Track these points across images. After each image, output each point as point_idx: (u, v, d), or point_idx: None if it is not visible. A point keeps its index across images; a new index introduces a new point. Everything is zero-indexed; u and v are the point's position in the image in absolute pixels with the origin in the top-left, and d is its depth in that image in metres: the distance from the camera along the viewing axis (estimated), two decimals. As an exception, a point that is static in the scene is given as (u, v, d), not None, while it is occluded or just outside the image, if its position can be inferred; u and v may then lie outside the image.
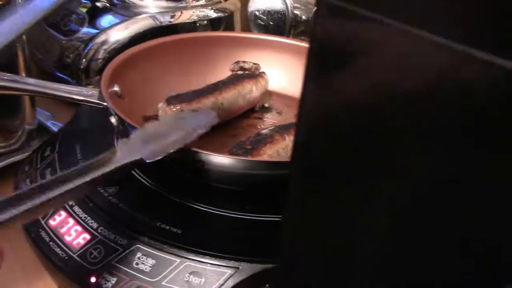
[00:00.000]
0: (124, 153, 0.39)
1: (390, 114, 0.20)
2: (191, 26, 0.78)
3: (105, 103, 0.48)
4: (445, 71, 0.18)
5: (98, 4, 0.75)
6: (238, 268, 0.41)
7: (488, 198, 0.17)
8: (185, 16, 0.78)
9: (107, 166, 0.37)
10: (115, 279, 0.40)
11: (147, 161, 0.39)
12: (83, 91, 0.48)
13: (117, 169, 0.38)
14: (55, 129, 0.65)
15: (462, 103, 0.17)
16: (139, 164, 0.39)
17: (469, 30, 0.17)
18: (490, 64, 0.16)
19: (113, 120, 0.48)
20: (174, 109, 0.52)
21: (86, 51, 0.71)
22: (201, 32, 0.70)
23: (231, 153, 0.48)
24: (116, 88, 0.52)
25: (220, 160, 0.44)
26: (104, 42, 0.72)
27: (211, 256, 0.41)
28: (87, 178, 0.36)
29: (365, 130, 0.20)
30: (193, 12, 0.80)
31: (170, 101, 0.52)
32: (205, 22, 0.79)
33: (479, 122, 0.17)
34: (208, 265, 0.41)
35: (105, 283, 0.40)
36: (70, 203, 0.45)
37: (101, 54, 0.71)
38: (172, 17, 0.78)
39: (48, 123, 0.67)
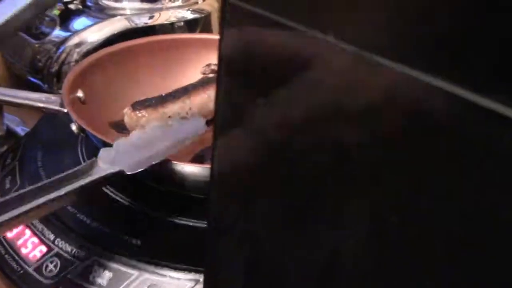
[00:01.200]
0: (105, 163, 0.37)
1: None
2: (167, 28, 0.76)
3: (66, 110, 0.47)
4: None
5: (71, 6, 0.73)
6: (198, 280, 0.39)
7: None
8: (161, 18, 0.76)
9: (87, 177, 0.35)
10: (70, 294, 0.39)
11: (128, 173, 0.37)
12: (42, 98, 0.47)
13: (97, 180, 0.36)
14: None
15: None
16: (119, 175, 0.37)
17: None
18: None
19: (73, 127, 0.46)
20: (139, 114, 0.50)
21: (57, 54, 0.70)
22: (170, 34, 0.68)
23: (194, 160, 0.47)
24: (79, 94, 0.51)
25: (182, 168, 0.43)
26: (76, 45, 0.70)
27: (171, 268, 0.40)
28: (67, 189, 0.34)
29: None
30: (171, 13, 0.78)
31: (135, 106, 0.51)
32: (182, 23, 0.77)
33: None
34: (168, 277, 0.39)
35: (61, 298, 0.39)
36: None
37: (74, 57, 0.70)
38: (149, 18, 0.76)
39: (18, 129, 0.65)
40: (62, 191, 0.33)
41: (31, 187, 0.33)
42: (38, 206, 0.32)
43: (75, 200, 0.40)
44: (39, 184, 0.33)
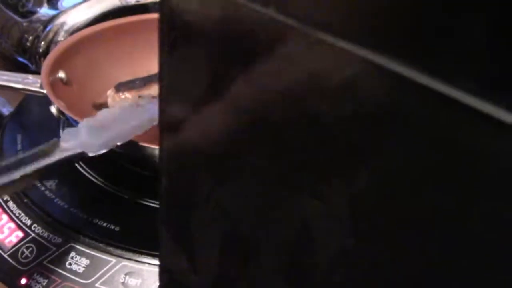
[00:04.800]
0: (67, 144, 0.36)
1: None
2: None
3: (45, 91, 0.45)
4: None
5: (59, -17, 0.71)
6: (178, 268, 0.38)
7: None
8: (153, -4, 0.74)
9: (48, 158, 0.34)
10: (46, 281, 0.38)
11: (90, 154, 0.36)
12: (19, 78, 0.45)
13: (59, 162, 0.35)
14: (10, 116, 0.62)
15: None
16: (83, 157, 0.36)
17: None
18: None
19: (53, 109, 0.45)
20: (123, 96, 0.49)
21: (45, 33, 0.68)
22: (156, 13, 0.66)
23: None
24: (61, 75, 0.49)
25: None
26: (64, 24, 0.68)
27: (149, 255, 0.39)
28: (27, 171, 0.33)
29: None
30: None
31: (119, 88, 0.49)
32: (174, 2, 0.75)
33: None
34: (146, 265, 0.38)
35: (35, 285, 0.38)
36: (5, 198, 0.43)
37: (61, 36, 0.68)
38: (141, -4, 0.74)
39: (4, 110, 0.63)
40: (18, 174, 0.32)
41: None
42: None
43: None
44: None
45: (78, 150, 0.35)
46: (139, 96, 0.49)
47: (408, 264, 0.16)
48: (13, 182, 0.32)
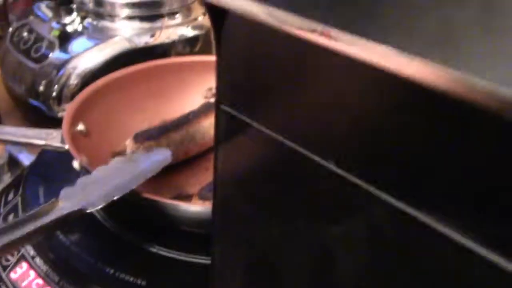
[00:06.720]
0: (66, 202, 0.37)
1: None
2: (167, 47, 0.76)
3: (66, 146, 0.46)
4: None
5: (68, 28, 0.73)
6: (206, 321, 0.39)
7: None
8: (162, 37, 0.76)
9: (47, 217, 0.36)
10: (76, 338, 0.39)
11: (89, 210, 0.38)
12: (42, 134, 0.46)
13: (57, 220, 0.36)
14: (27, 162, 0.63)
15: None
16: (81, 213, 0.38)
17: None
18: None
19: (75, 165, 0.46)
20: (141, 147, 0.50)
21: (58, 77, 0.69)
22: (170, 58, 0.68)
23: (200, 195, 0.46)
24: (80, 127, 0.51)
25: (186, 208, 0.42)
26: (77, 68, 0.70)
27: (177, 309, 0.39)
28: (25, 231, 0.34)
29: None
30: (171, 31, 0.77)
31: (137, 137, 0.50)
32: (182, 41, 0.77)
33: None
34: (174, 319, 0.39)
35: None
36: (31, 253, 0.43)
37: (73, 80, 0.69)
38: (150, 37, 0.76)
39: (21, 156, 0.65)
40: (19, 234, 0.33)
41: None
42: None
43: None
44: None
45: (77, 207, 0.37)
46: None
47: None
48: (13, 242, 0.33)
